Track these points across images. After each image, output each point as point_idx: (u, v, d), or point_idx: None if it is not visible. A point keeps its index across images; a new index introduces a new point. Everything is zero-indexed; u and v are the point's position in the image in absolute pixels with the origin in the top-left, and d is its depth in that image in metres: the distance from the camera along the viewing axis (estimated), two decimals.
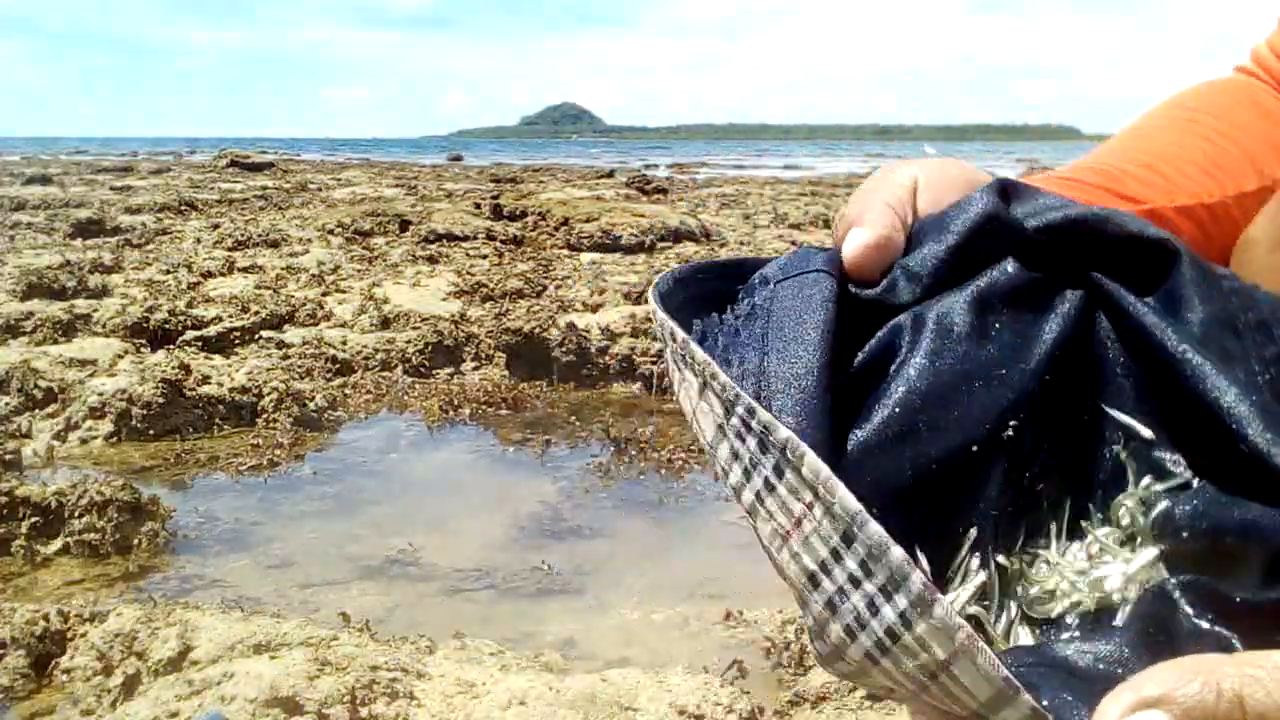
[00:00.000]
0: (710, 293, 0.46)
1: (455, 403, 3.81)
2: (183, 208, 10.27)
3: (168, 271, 6.01)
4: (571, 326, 4.28)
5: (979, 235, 0.41)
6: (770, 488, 0.36)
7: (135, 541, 2.56)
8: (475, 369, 4.30)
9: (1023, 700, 0.31)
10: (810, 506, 0.35)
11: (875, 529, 0.33)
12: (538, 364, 4.16)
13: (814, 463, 0.34)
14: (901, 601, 0.32)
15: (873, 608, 0.33)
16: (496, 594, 2.31)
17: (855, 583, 0.34)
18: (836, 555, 0.34)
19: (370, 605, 2.21)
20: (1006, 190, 0.43)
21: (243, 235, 7.53)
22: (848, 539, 0.34)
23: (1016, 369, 0.40)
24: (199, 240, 7.57)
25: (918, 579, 0.32)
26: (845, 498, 0.33)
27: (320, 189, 14.10)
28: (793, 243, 7.79)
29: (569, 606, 2.24)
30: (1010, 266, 0.41)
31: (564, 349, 4.13)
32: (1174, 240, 0.40)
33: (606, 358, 4.17)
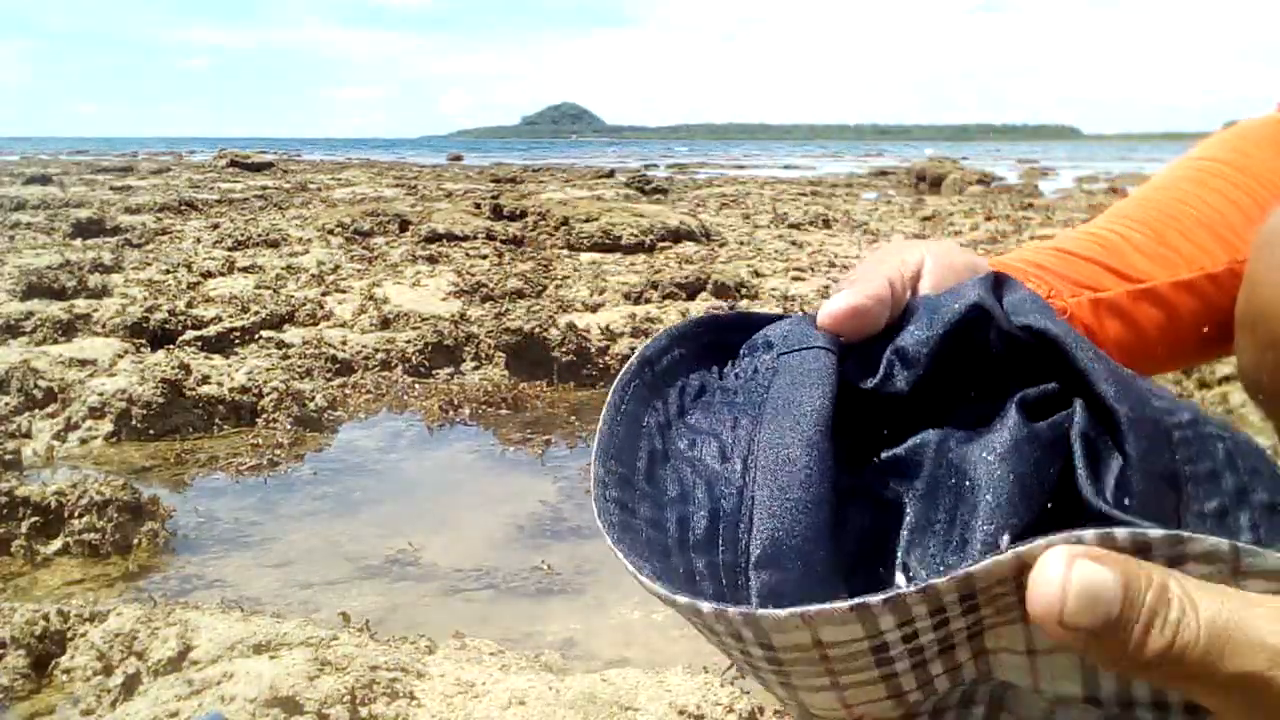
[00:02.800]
0: (708, 346, 0.50)
1: (455, 403, 3.81)
2: (183, 208, 10.26)
3: (168, 271, 6.01)
4: (571, 326, 4.28)
5: (968, 325, 0.45)
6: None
7: (135, 541, 2.56)
8: (475, 369, 4.30)
9: (874, 608, 0.33)
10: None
11: (684, 599, 0.37)
12: (538, 364, 4.16)
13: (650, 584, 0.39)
14: (748, 633, 0.36)
15: (746, 654, 0.39)
16: (496, 594, 2.31)
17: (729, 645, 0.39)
18: (712, 633, 0.39)
19: (370, 605, 2.21)
20: (998, 281, 0.47)
21: (243, 235, 7.53)
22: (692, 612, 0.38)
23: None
24: (199, 240, 7.57)
25: (735, 611, 0.36)
26: (653, 587, 0.38)
27: (320, 189, 14.09)
28: (792, 243, 7.79)
29: (569, 606, 2.24)
30: (1011, 420, 0.41)
31: (564, 349, 4.13)
32: (1107, 388, 0.40)
33: (606, 358, 4.17)
